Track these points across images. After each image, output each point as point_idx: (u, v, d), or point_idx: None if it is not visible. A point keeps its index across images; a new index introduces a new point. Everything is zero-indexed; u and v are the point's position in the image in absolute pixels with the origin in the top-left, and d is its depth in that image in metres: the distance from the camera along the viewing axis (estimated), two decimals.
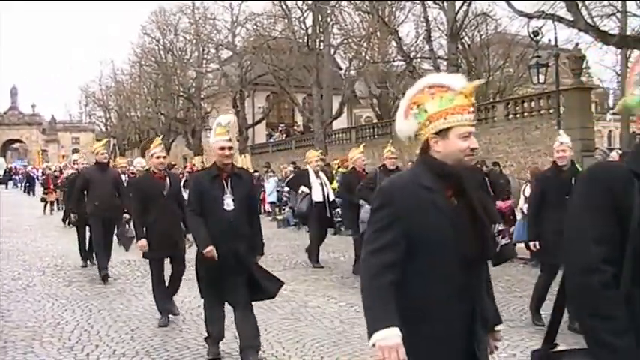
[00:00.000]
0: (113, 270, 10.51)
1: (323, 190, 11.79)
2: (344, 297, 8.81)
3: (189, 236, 6.81)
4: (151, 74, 45.88)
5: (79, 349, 6.37)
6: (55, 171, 28.65)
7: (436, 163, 2.64)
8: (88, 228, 11.16)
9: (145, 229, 7.38)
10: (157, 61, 44.28)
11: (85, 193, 10.70)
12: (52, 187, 25.62)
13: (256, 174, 21.33)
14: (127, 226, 10.94)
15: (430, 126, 2.65)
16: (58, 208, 25.90)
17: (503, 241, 2.46)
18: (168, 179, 7.51)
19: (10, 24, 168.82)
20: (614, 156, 11.55)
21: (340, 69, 34.74)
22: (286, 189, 18.15)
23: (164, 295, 7.48)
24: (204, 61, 41.85)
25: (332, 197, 11.99)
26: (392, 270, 2.54)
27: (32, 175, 44.40)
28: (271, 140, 40.21)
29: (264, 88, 38.93)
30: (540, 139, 19.66)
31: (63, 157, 46.34)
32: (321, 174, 12.12)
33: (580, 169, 11.59)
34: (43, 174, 29.72)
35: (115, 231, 10.56)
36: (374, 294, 2.56)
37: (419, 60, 26.54)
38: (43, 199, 26.34)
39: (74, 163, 17.91)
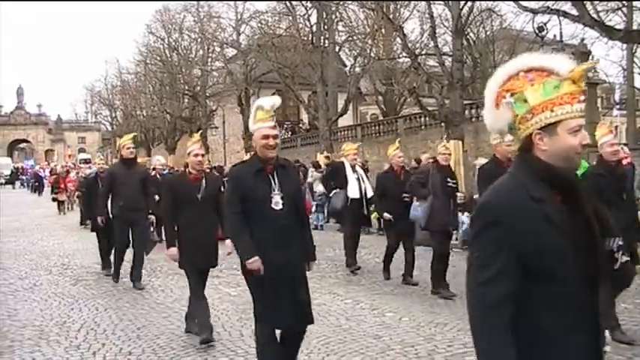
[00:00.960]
0: None
1: (360, 185, 10.82)
2: (350, 294, 8.81)
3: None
4: (156, 73, 45.91)
5: (86, 347, 6.39)
6: (63, 170, 28.69)
7: (541, 165, 2.23)
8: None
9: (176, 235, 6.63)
10: (162, 60, 44.32)
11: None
12: (62, 186, 25.68)
13: None
14: (150, 228, 10.20)
15: (533, 120, 2.23)
16: (69, 208, 26.01)
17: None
18: (204, 180, 6.58)
19: (15, 24, 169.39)
20: (621, 153, 11.44)
21: (345, 66, 34.68)
22: None
23: (205, 310, 6.49)
24: (209, 60, 41.84)
25: (370, 193, 10.85)
26: (510, 302, 2.16)
27: (40, 174, 44.50)
28: None
29: (270, 85, 38.86)
30: None
31: (69, 156, 46.41)
32: (358, 168, 11.18)
33: (588, 164, 11.58)
34: (53, 173, 29.69)
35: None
36: (492, 334, 2.16)
37: (424, 56, 26.46)
38: (54, 199, 26.35)
39: (87, 163, 17.87)
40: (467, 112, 22.84)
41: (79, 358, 6.07)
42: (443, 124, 19.61)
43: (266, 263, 4.56)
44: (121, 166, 9.69)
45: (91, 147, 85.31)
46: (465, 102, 21.46)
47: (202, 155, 6.66)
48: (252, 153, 4.90)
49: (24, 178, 53.66)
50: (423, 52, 26.39)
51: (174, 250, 6.43)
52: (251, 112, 4.90)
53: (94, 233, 11.27)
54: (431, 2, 20.90)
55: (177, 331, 6.94)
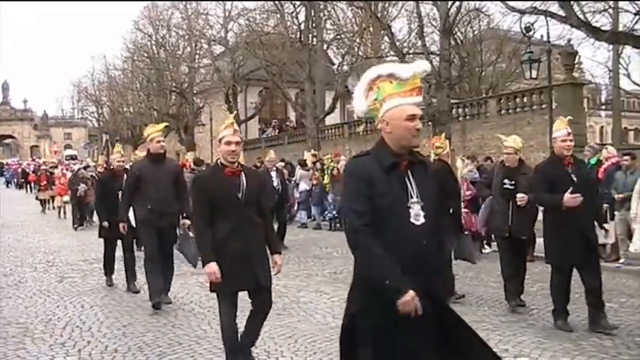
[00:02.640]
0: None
1: None
2: (336, 292, 8.80)
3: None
4: (144, 69, 45.63)
5: (71, 345, 6.35)
6: (50, 167, 28.20)
7: None
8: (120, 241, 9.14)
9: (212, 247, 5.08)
10: (150, 57, 44.08)
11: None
12: (44, 183, 25.10)
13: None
14: (189, 233, 8.44)
15: None
16: (53, 207, 24.78)
17: None
18: (243, 176, 5.16)
19: (0, 19, 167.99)
20: (605, 153, 11.50)
21: (333, 64, 34.71)
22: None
23: (235, 337, 5.24)
24: (197, 57, 41.70)
25: None
26: None
27: (27, 170, 44.04)
28: (264, 136, 40.16)
29: (257, 83, 38.83)
30: (533, 135, 19.72)
31: (55, 152, 46.04)
32: None
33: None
34: (35, 171, 29.13)
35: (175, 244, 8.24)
36: None
37: (411, 55, 26.49)
38: (36, 198, 25.74)
39: (73, 159, 17.39)
40: (454, 111, 22.97)
41: (64, 355, 6.03)
42: (430, 122, 19.66)
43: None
44: (148, 163, 8.06)
45: (77, 143, 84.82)
46: (452, 101, 21.58)
47: (237, 143, 5.11)
48: (377, 143, 3.36)
49: (7, 175, 52.80)
50: (411, 51, 26.45)
51: (214, 267, 4.91)
52: (361, 85, 3.55)
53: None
54: (419, 1, 20.99)
55: (164, 329, 6.92)
